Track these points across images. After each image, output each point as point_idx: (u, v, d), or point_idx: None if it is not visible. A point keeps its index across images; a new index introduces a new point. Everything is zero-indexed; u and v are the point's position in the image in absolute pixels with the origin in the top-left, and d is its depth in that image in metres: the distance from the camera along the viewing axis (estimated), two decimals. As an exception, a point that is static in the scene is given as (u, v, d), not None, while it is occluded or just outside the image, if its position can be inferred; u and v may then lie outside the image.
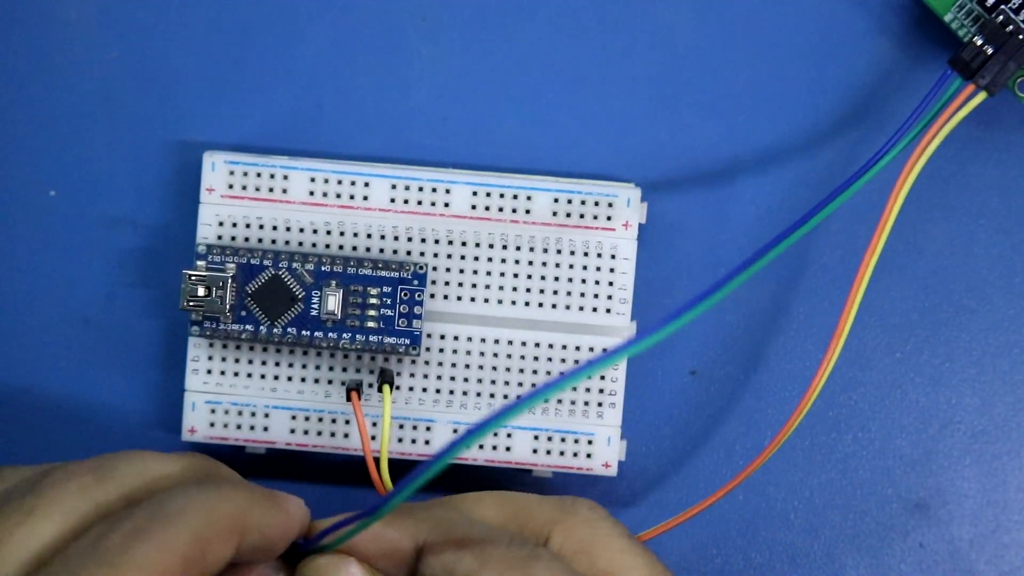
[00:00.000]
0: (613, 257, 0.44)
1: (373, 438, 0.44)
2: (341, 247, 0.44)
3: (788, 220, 0.41)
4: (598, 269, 0.44)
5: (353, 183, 0.44)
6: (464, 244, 0.44)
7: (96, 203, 0.46)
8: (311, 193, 0.44)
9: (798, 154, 0.46)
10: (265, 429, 0.44)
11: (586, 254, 0.44)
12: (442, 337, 0.44)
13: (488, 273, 0.44)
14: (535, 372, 0.44)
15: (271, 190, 0.44)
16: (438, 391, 0.44)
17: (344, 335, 0.43)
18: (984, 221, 0.46)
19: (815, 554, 0.46)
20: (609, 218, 0.44)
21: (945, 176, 0.46)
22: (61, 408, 0.46)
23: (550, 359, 0.44)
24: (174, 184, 0.46)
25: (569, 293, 0.44)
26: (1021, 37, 0.42)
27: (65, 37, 0.46)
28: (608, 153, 0.46)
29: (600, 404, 0.45)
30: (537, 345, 0.44)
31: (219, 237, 0.44)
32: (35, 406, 0.46)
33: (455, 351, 0.44)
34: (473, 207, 0.44)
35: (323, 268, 0.44)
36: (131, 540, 0.34)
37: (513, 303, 0.44)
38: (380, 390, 0.44)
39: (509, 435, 0.44)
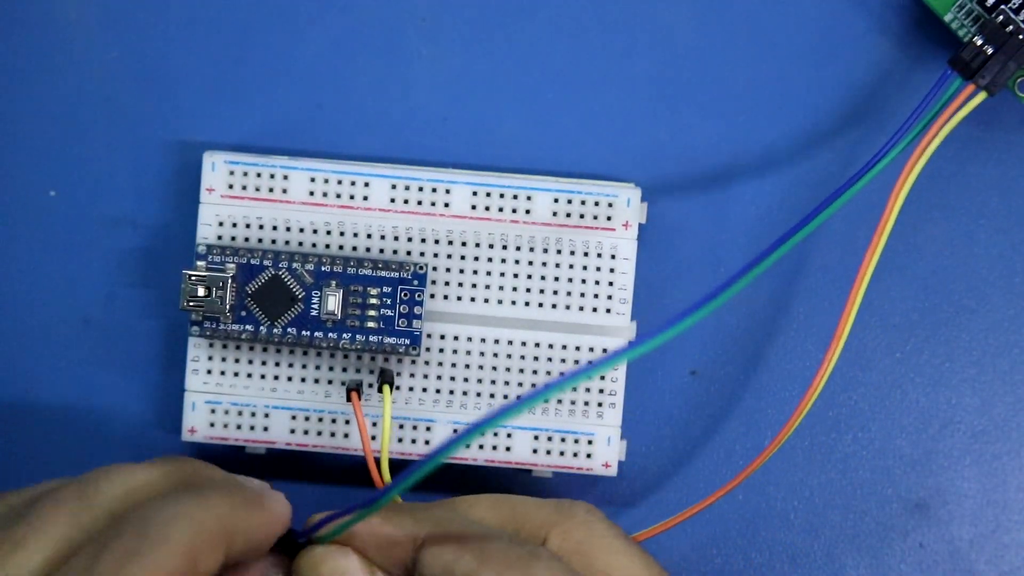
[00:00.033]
0: (613, 257, 0.44)
1: (373, 438, 0.44)
2: (341, 247, 0.44)
3: (788, 220, 0.42)
4: (598, 269, 0.44)
5: (353, 183, 0.44)
6: (464, 244, 0.44)
7: (96, 203, 0.46)
8: (311, 193, 0.44)
9: (798, 154, 0.46)
10: (265, 429, 0.44)
11: (586, 254, 0.44)
12: (442, 337, 0.44)
13: (488, 273, 0.44)
14: (535, 372, 0.44)
15: (271, 190, 0.44)
16: (438, 391, 0.44)
17: (344, 335, 0.43)
18: (984, 221, 0.46)
19: (815, 554, 0.46)
20: (609, 218, 0.44)
21: (945, 176, 0.46)
22: (61, 408, 0.46)
23: (550, 359, 0.44)
24: (174, 184, 0.46)
25: (569, 293, 0.44)
26: (1021, 37, 0.42)
27: (65, 37, 0.46)
28: (608, 153, 0.46)
29: (600, 404, 0.45)
30: (537, 345, 0.44)
31: (219, 237, 0.44)
32: (35, 406, 0.46)
33: (455, 351, 0.44)
34: (473, 207, 0.44)
35: (323, 268, 0.44)
36: (123, 563, 0.35)
37: (513, 303, 0.44)
38: (380, 390, 0.44)
39: (509, 435, 0.44)
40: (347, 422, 0.44)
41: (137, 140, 0.46)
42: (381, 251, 0.44)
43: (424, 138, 0.46)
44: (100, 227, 0.46)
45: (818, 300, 0.46)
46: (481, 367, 0.44)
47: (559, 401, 0.44)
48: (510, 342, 0.44)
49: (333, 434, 0.44)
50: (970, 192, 0.46)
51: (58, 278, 0.46)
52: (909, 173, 0.41)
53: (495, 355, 0.44)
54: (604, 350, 0.44)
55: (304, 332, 0.44)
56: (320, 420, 0.44)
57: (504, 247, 0.44)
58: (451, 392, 0.44)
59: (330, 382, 0.44)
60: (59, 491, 0.37)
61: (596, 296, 0.44)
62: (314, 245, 0.44)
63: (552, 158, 0.46)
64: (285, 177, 0.44)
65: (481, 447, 0.44)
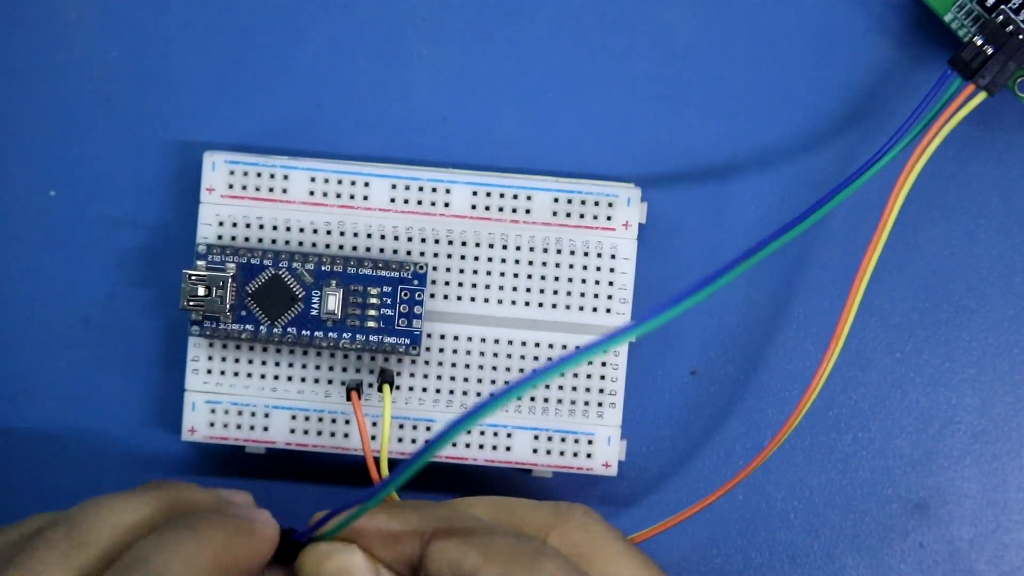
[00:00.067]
0: (613, 257, 0.44)
1: (373, 438, 0.44)
2: (341, 247, 0.44)
3: (788, 220, 0.41)
4: (598, 269, 0.44)
5: (353, 183, 0.44)
6: (464, 244, 0.44)
7: (96, 203, 0.46)
8: (311, 193, 0.44)
9: (798, 154, 0.46)
10: (265, 429, 0.44)
11: (586, 254, 0.44)
12: (442, 337, 0.44)
13: (488, 273, 0.44)
14: (534, 386, 0.44)
15: (271, 190, 0.44)
16: (438, 391, 0.44)
17: (344, 335, 0.43)
18: (984, 221, 0.46)
19: (815, 554, 0.46)
20: (609, 218, 0.44)
21: (945, 176, 0.46)
22: (61, 408, 0.46)
23: (550, 359, 0.44)
24: (174, 184, 0.46)
25: (569, 293, 0.44)
26: (1021, 37, 0.42)
27: (65, 37, 0.46)
28: (608, 153, 0.46)
29: (600, 404, 0.45)
30: (537, 345, 0.44)
31: (219, 237, 0.44)
32: (35, 406, 0.46)
33: (455, 351, 0.44)
34: (473, 207, 0.44)
35: (323, 268, 0.44)
36: None
37: (513, 303, 0.44)
38: (380, 390, 0.44)
39: (509, 435, 0.44)
40: (347, 422, 0.44)
41: (137, 140, 0.46)
42: (381, 251, 0.44)
43: (424, 138, 0.46)
44: (100, 227, 0.46)
45: (818, 300, 0.46)
46: (481, 367, 0.44)
47: (559, 401, 0.44)
48: (510, 342, 0.44)
49: (333, 434, 0.44)
50: (970, 192, 0.46)
51: (58, 278, 0.46)
52: (909, 173, 0.41)
53: (495, 355, 0.44)
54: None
55: (304, 332, 0.44)
56: (320, 420, 0.44)
57: (504, 247, 0.44)
58: (451, 392, 0.44)
59: (330, 382, 0.44)
60: (50, 532, 0.37)
61: (596, 296, 0.44)
62: (314, 245, 0.44)
63: (552, 158, 0.46)
64: (285, 177, 0.44)
65: (481, 447, 0.44)
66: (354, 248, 0.44)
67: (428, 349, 0.44)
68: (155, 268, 0.46)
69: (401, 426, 0.44)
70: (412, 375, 0.44)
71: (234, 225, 0.44)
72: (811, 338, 0.46)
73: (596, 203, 0.44)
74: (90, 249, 0.46)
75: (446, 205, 0.44)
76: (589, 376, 0.44)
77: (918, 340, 0.46)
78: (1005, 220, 0.46)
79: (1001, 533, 0.46)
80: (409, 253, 0.44)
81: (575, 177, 0.45)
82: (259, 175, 0.44)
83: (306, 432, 0.44)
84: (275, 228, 0.44)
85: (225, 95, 0.46)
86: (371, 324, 0.44)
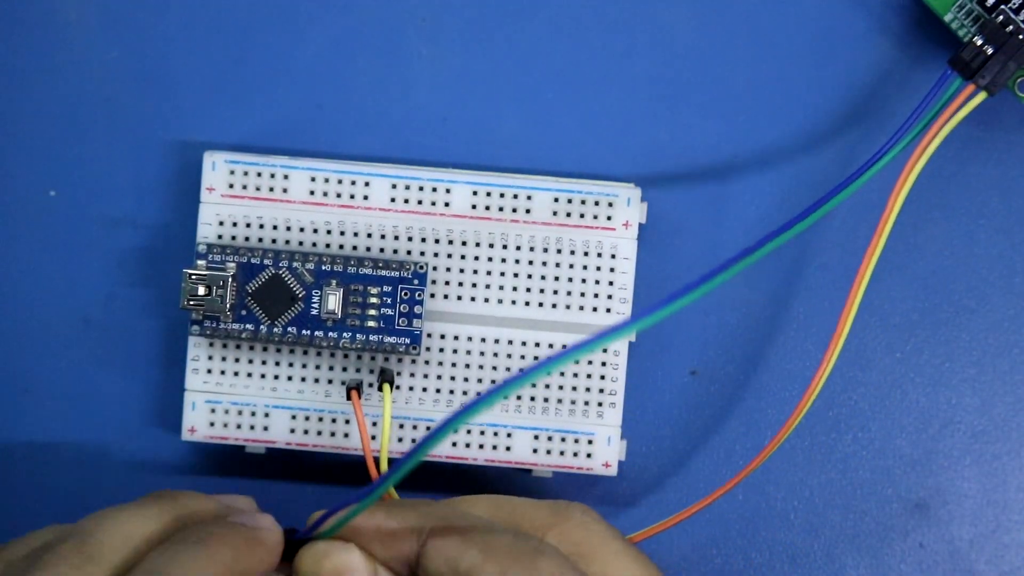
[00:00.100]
0: (613, 257, 0.44)
1: (373, 438, 0.44)
2: (341, 246, 0.44)
3: (788, 220, 0.41)
4: (598, 269, 0.44)
5: (353, 183, 0.44)
6: (464, 244, 0.44)
7: (96, 203, 0.46)
8: (311, 193, 0.44)
9: (798, 154, 0.46)
10: (265, 429, 0.44)
11: (586, 254, 0.44)
12: (442, 337, 0.44)
13: (488, 273, 0.44)
14: (533, 383, 0.44)
15: (271, 189, 0.44)
16: (438, 391, 0.44)
17: (344, 334, 0.43)
18: (984, 221, 0.46)
19: (815, 554, 0.46)
20: (609, 218, 0.44)
21: (945, 176, 0.46)
22: (61, 408, 0.46)
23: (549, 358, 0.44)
24: (174, 184, 0.46)
25: (569, 293, 0.44)
26: (1021, 37, 0.42)
27: (65, 37, 0.46)
28: (608, 153, 0.46)
29: (600, 404, 0.45)
30: (537, 345, 0.44)
31: (219, 236, 0.44)
32: (35, 406, 0.46)
33: (455, 351, 0.44)
34: (473, 207, 0.44)
35: (323, 267, 0.44)
36: None
37: (513, 303, 0.44)
38: (380, 389, 0.44)
39: (509, 435, 0.44)
40: (347, 421, 0.44)
41: (137, 140, 0.46)
42: (381, 250, 0.44)
43: (424, 138, 0.46)
44: (100, 227, 0.46)
45: (818, 300, 0.46)
46: (481, 367, 0.44)
47: (559, 401, 0.44)
48: (510, 342, 0.44)
49: (333, 433, 0.44)
50: (970, 192, 0.46)
51: (58, 278, 0.46)
52: (909, 173, 0.41)
53: (495, 355, 0.44)
54: (604, 349, 0.44)
55: (304, 331, 0.44)
56: (320, 419, 0.44)
57: (504, 247, 0.44)
58: (451, 392, 0.44)
59: (330, 381, 0.44)
60: (61, 546, 0.37)
61: (596, 296, 0.44)
62: (314, 244, 0.44)
63: (552, 158, 0.46)
64: (285, 177, 0.44)
65: (481, 447, 0.44)
66: (354, 248, 0.44)
67: (428, 349, 0.44)
68: (155, 268, 0.46)
69: (401, 426, 0.44)
70: (412, 375, 0.44)
71: (234, 225, 0.44)
72: (811, 338, 0.46)
73: (596, 203, 0.44)
74: (90, 249, 0.46)
75: (446, 205, 0.44)
76: (589, 376, 0.44)
77: (918, 340, 0.46)
78: (1005, 220, 0.46)
79: (1001, 533, 0.46)
80: (409, 253, 0.44)
81: (575, 177, 0.45)
82: (259, 175, 0.44)
83: (306, 432, 0.44)
84: (275, 228, 0.44)
85: (225, 95, 0.46)
86: (371, 324, 0.44)
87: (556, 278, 0.44)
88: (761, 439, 0.46)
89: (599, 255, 0.44)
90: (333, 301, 0.43)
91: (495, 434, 0.44)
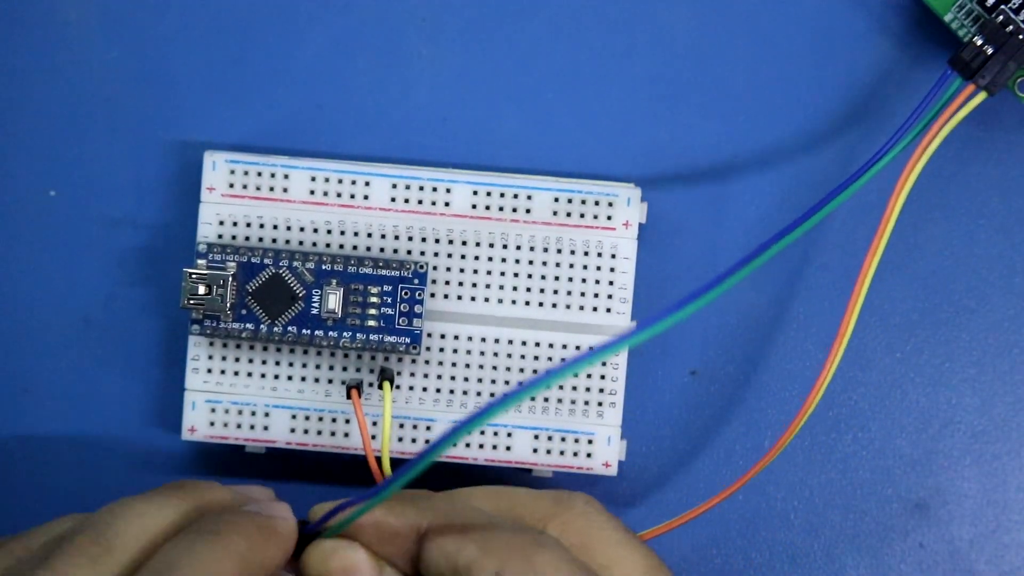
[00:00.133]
0: (613, 256, 0.44)
1: (373, 437, 0.44)
2: (342, 246, 0.44)
3: (788, 220, 0.41)
4: (598, 268, 0.44)
5: (354, 182, 0.44)
6: (464, 243, 0.44)
7: (96, 203, 0.46)
8: (312, 192, 0.44)
9: (798, 154, 0.46)
10: (265, 428, 0.44)
11: (586, 253, 0.44)
12: (442, 336, 0.44)
13: (488, 272, 0.44)
14: (535, 371, 0.44)
15: (272, 189, 0.44)
16: (438, 390, 0.44)
17: (344, 334, 0.43)
18: (984, 221, 0.46)
19: (815, 554, 0.46)
20: (609, 217, 0.44)
21: (945, 176, 0.46)
22: (61, 408, 0.46)
23: (550, 359, 0.44)
24: (174, 184, 0.46)
25: (569, 293, 0.44)
26: (1021, 37, 0.42)
27: (65, 37, 0.46)
28: (608, 153, 0.46)
29: (600, 404, 0.45)
30: (537, 345, 0.44)
31: (220, 236, 0.44)
32: (35, 406, 0.46)
33: (455, 350, 0.44)
34: (473, 206, 0.44)
35: (324, 267, 0.44)
36: None
37: (513, 303, 0.44)
38: (380, 388, 0.44)
39: (509, 435, 0.44)
40: (347, 421, 0.44)
41: (137, 140, 0.46)
42: (382, 250, 0.44)
43: (424, 138, 0.46)
44: (100, 227, 0.46)
45: (818, 300, 0.46)
46: (481, 366, 0.44)
47: (559, 401, 0.44)
48: (510, 341, 0.44)
49: (333, 433, 0.44)
50: (970, 192, 0.46)
51: (58, 278, 0.46)
52: (910, 173, 0.41)
53: (495, 355, 0.44)
54: (590, 347, 0.44)
55: (304, 331, 0.43)
56: (320, 419, 0.44)
57: (504, 247, 0.44)
58: (451, 391, 0.44)
59: (330, 381, 0.44)
60: (78, 537, 0.37)
61: (596, 295, 0.44)
62: (315, 244, 0.44)
63: (552, 158, 0.46)
64: (286, 176, 0.44)
65: (481, 447, 0.44)
66: (354, 247, 0.44)
67: (428, 348, 0.44)
68: (155, 268, 0.46)
69: (401, 425, 0.44)
70: (412, 374, 0.44)
71: (235, 224, 0.44)
72: (811, 338, 0.46)
73: (596, 203, 0.44)
74: (90, 249, 0.46)
75: (446, 205, 0.44)
76: (589, 376, 0.44)
77: (918, 340, 0.46)
78: (1005, 220, 0.46)
79: (1001, 533, 0.46)
80: (409, 252, 0.44)
81: (575, 177, 0.45)
82: (259, 174, 0.44)
83: (306, 431, 0.44)
84: (275, 227, 0.44)
85: (225, 95, 0.46)
86: (371, 323, 0.44)
87: (556, 278, 0.44)
88: (761, 439, 0.46)
89: (599, 255, 0.44)
90: (333, 300, 0.43)
91: (495, 434, 0.44)
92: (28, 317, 0.46)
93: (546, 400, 0.44)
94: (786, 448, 0.45)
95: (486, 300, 0.44)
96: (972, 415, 0.46)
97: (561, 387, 0.44)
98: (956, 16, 0.44)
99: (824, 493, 0.46)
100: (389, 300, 0.43)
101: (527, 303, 0.44)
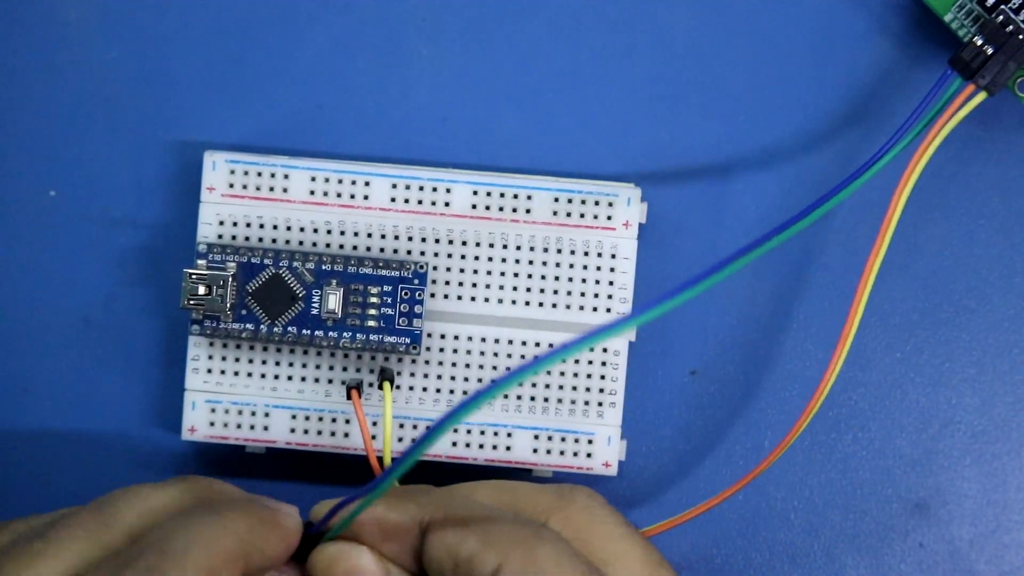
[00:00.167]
0: (613, 256, 0.44)
1: (374, 437, 0.44)
2: (342, 246, 0.44)
3: (787, 219, 0.41)
4: (598, 269, 0.44)
5: (354, 182, 0.44)
6: (464, 243, 0.44)
7: (96, 203, 0.46)
8: (312, 192, 0.44)
9: (798, 154, 0.46)
10: (265, 428, 0.44)
11: (586, 253, 0.44)
12: (442, 336, 0.44)
13: (488, 273, 0.44)
14: (535, 373, 0.44)
15: (272, 189, 0.44)
16: (438, 391, 0.44)
17: (344, 334, 0.43)
18: (984, 221, 0.46)
19: (815, 554, 0.46)
20: (609, 217, 0.44)
21: (945, 176, 0.46)
22: (61, 407, 0.46)
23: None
24: (174, 184, 0.46)
25: (569, 293, 0.44)
26: (1021, 37, 0.42)
27: (65, 37, 0.46)
28: (608, 153, 0.46)
29: (600, 404, 0.45)
30: (537, 345, 0.44)
31: (220, 236, 0.44)
32: (35, 406, 0.46)
33: (455, 351, 0.44)
34: (473, 207, 0.44)
35: (324, 267, 0.44)
36: None
37: (513, 303, 0.44)
38: (380, 388, 0.44)
39: (509, 434, 0.44)
40: (347, 421, 0.44)
41: (137, 140, 0.46)
42: (382, 250, 0.44)
43: (424, 138, 0.46)
44: (100, 227, 0.46)
45: (818, 300, 0.46)
46: (481, 367, 0.44)
47: (559, 400, 0.44)
48: (510, 342, 0.44)
49: (333, 433, 0.44)
50: (970, 192, 0.46)
51: (58, 278, 0.46)
52: (911, 173, 0.41)
53: (495, 355, 0.44)
54: (604, 349, 0.44)
55: (304, 331, 0.43)
56: (320, 419, 0.44)
57: (504, 247, 0.44)
58: (451, 391, 0.44)
59: (330, 381, 0.44)
60: (78, 512, 0.38)
61: (596, 295, 0.44)
62: (315, 244, 0.44)
63: (552, 158, 0.46)
64: (286, 176, 0.44)
65: (481, 447, 0.44)
66: (354, 247, 0.44)
67: (428, 349, 0.44)
68: (155, 268, 0.46)
69: (401, 425, 0.44)
70: (412, 374, 0.44)
71: (235, 224, 0.44)
72: (811, 338, 0.46)
73: (596, 203, 0.44)
74: (90, 249, 0.46)
75: (446, 205, 0.44)
76: (589, 376, 0.44)
77: (918, 340, 0.46)
78: (1005, 220, 0.46)
79: (1001, 533, 0.46)
80: (409, 252, 0.44)
81: (575, 177, 0.45)
82: (259, 175, 0.44)
83: (306, 431, 0.44)
84: (275, 227, 0.44)
85: (225, 95, 0.46)
86: (371, 323, 0.44)
87: (556, 278, 0.44)
88: (761, 439, 0.46)
89: (599, 255, 0.44)
90: (333, 301, 0.43)
91: (495, 434, 0.44)
92: (28, 317, 0.46)
93: (546, 400, 0.44)
94: (786, 448, 0.45)
95: (486, 300, 0.44)
96: (972, 415, 0.46)
97: (561, 387, 0.44)
98: (956, 16, 0.44)
99: (824, 493, 0.46)
100: (389, 300, 0.43)
101: (527, 303, 0.44)
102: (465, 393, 0.44)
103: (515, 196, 0.44)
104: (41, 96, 0.46)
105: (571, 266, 0.44)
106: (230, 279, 0.43)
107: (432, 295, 0.44)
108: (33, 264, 0.46)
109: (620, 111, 0.46)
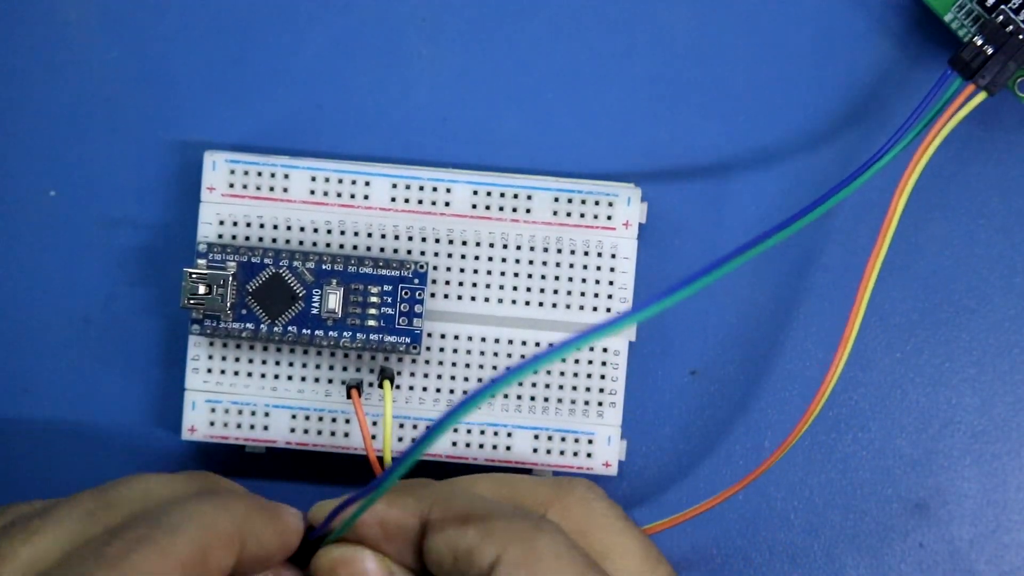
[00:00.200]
0: (613, 256, 0.44)
1: (374, 437, 0.44)
2: (342, 246, 0.44)
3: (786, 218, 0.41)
4: (598, 268, 0.44)
5: (354, 182, 0.44)
6: (464, 243, 0.44)
7: (96, 203, 0.46)
8: (312, 192, 0.44)
9: (798, 154, 0.46)
10: (265, 428, 0.44)
11: (586, 253, 0.44)
12: (442, 336, 0.44)
13: (488, 272, 0.44)
14: (535, 371, 0.44)
15: (272, 189, 0.44)
16: (438, 390, 0.44)
17: (345, 334, 0.43)
18: (984, 221, 0.46)
19: (815, 554, 0.46)
20: (609, 217, 0.44)
21: (945, 176, 0.46)
22: (61, 407, 0.46)
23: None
24: (174, 184, 0.46)
25: (569, 293, 0.44)
26: (1021, 37, 0.42)
27: (65, 37, 0.46)
28: (608, 153, 0.46)
29: (600, 404, 0.45)
30: (537, 345, 0.44)
31: (220, 236, 0.44)
32: (35, 406, 0.46)
33: (455, 350, 0.44)
34: (473, 206, 0.44)
35: (324, 267, 0.44)
36: (132, 546, 0.35)
37: (513, 303, 0.44)
38: (380, 387, 0.44)
39: (509, 434, 0.44)
40: (347, 421, 0.44)
41: (137, 140, 0.46)
42: (382, 250, 0.44)
43: (424, 138, 0.46)
44: (100, 227, 0.46)
45: (819, 300, 0.46)
46: (481, 366, 0.44)
47: (559, 400, 0.44)
48: (510, 341, 0.44)
49: (333, 433, 0.44)
50: (970, 192, 0.46)
51: (58, 278, 0.46)
52: (911, 173, 0.41)
53: (495, 354, 0.44)
54: (604, 349, 0.44)
55: (305, 330, 0.43)
56: (320, 419, 0.44)
57: (504, 246, 0.44)
58: (451, 391, 0.44)
59: (330, 381, 0.44)
60: (80, 494, 0.38)
61: (596, 295, 0.44)
62: (315, 244, 0.44)
63: (552, 158, 0.46)
64: (286, 176, 0.44)
65: (481, 447, 0.44)
66: (355, 247, 0.44)
67: (428, 348, 0.44)
68: (155, 268, 0.46)
69: (401, 425, 0.44)
70: (412, 374, 0.44)
71: (235, 224, 0.44)
72: (811, 338, 0.46)
73: (596, 203, 0.44)
74: (90, 249, 0.46)
75: (446, 204, 0.44)
76: (589, 376, 0.44)
77: (918, 340, 0.46)
78: (1005, 220, 0.46)
79: (1001, 533, 0.46)
80: (410, 252, 0.44)
81: (575, 177, 0.45)
82: (260, 174, 0.44)
83: (306, 431, 0.44)
84: (276, 227, 0.44)
85: (225, 95, 0.46)
86: (372, 323, 0.44)
87: (556, 278, 0.44)
88: (761, 439, 0.46)
89: (599, 255, 0.44)
90: (333, 300, 0.43)
91: (495, 434, 0.44)
92: (28, 317, 0.46)
93: (546, 400, 0.44)
94: (787, 449, 0.45)
95: (486, 300, 0.44)
96: (972, 415, 0.46)
97: (561, 387, 0.44)
98: (956, 16, 0.44)
99: (824, 493, 0.46)
100: (389, 300, 0.43)
101: (527, 303, 0.44)
102: (465, 393, 0.44)
103: (515, 196, 0.44)
104: (41, 96, 0.46)
105: (571, 266, 0.44)
106: (230, 279, 0.43)
107: (432, 295, 0.44)
108: (33, 264, 0.46)
109: (620, 111, 0.46)
